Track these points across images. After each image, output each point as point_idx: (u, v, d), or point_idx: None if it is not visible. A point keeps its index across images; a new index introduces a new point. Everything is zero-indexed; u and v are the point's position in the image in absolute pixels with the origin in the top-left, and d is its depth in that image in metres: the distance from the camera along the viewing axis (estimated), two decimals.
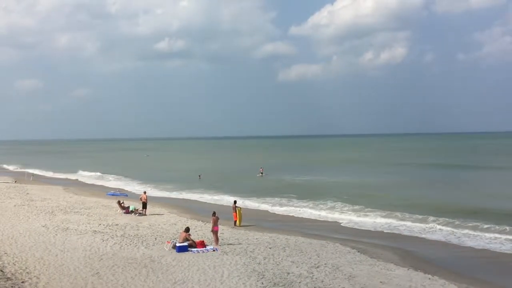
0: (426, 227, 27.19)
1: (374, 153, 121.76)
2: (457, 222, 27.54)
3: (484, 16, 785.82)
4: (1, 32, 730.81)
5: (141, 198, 31.89)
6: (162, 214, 31.43)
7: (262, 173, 62.01)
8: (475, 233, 25.31)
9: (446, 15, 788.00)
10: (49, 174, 71.80)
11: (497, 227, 26.05)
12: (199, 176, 60.03)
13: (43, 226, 25.07)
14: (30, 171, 71.25)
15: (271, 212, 34.67)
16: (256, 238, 23.39)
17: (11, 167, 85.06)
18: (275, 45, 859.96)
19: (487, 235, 24.87)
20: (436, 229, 26.69)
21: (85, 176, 66.65)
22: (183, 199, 42.70)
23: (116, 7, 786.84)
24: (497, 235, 24.70)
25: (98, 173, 68.35)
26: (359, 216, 31.54)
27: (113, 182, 58.49)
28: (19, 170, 77.00)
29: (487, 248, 22.61)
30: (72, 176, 67.19)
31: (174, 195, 45.40)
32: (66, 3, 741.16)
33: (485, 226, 26.38)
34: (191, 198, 42.82)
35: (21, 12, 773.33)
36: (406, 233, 26.41)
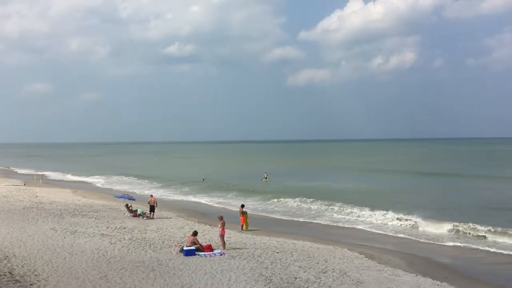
0: (437, 232, 26.95)
1: (382, 158, 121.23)
2: (470, 228, 26.82)
3: (494, 21, 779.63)
4: (12, 37, 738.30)
5: (149, 202, 31.96)
6: (169, 218, 31.50)
7: (266, 177, 61.86)
8: (489, 239, 24.91)
9: (456, 20, 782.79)
10: (58, 176, 72.29)
11: None
12: (203, 179, 60.11)
13: (52, 229, 25.20)
14: (39, 173, 71.72)
15: (277, 216, 34.61)
16: (263, 243, 23.35)
17: (20, 170, 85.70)
18: (284, 49, 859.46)
19: (501, 240, 24.47)
20: (447, 235, 26.39)
21: (94, 179, 67.00)
22: (190, 202, 42.84)
23: (127, 12, 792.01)
24: None
25: (106, 176, 68.74)
26: (367, 221, 31.40)
27: (121, 185, 58.72)
28: (28, 172, 77.59)
29: (504, 253, 22.32)
30: (80, 179, 67.65)
31: (182, 198, 45.61)
32: (78, 8, 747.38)
33: (500, 231, 25.71)
34: (199, 202, 43.00)
35: (33, 16, 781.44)
36: (415, 238, 26.22)
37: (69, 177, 71.85)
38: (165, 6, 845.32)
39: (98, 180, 65.18)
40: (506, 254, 22.25)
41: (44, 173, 75.29)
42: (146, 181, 61.94)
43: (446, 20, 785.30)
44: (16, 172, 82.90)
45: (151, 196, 32.95)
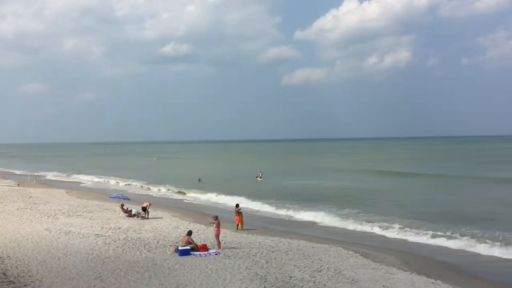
0: (432, 232, 26.79)
1: (377, 158, 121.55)
2: (465, 229, 26.55)
3: (488, 20, 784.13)
4: (8, 37, 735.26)
5: (142, 205, 31.70)
6: (164, 218, 31.41)
7: (261, 177, 61.83)
8: (484, 240, 24.37)
9: (451, 19, 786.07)
10: (53, 177, 71.99)
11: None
12: (199, 179, 60.00)
13: (46, 230, 25.10)
14: (34, 174, 71.37)
15: (272, 216, 34.62)
16: (259, 242, 23.35)
17: (15, 171, 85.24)
18: (280, 49, 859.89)
19: (496, 243, 24.14)
20: (442, 235, 26.19)
21: (89, 179, 66.79)
22: (185, 202, 42.78)
23: (123, 12, 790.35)
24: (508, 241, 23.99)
25: (102, 177, 68.47)
26: (362, 220, 31.34)
27: (116, 185, 58.60)
28: (23, 173, 77.20)
29: (495, 254, 22.19)
30: (75, 179, 67.42)
31: (177, 198, 45.52)
32: (74, 8, 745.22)
33: (496, 233, 25.20)
34: (193, 202, 42.95)
35: (28, 16, 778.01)
36: (410, 238, 26.12)
37: (64, 177, 71.57)
38: (161, 6, 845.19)
39: (92, 181, 64.96)
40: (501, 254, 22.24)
41: (39, 173, 74.93)
42: (142, 181, 61.66)
43: (440, 19, 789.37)
44: (13, 172, 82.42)
45: (148, 203, 32.44)
